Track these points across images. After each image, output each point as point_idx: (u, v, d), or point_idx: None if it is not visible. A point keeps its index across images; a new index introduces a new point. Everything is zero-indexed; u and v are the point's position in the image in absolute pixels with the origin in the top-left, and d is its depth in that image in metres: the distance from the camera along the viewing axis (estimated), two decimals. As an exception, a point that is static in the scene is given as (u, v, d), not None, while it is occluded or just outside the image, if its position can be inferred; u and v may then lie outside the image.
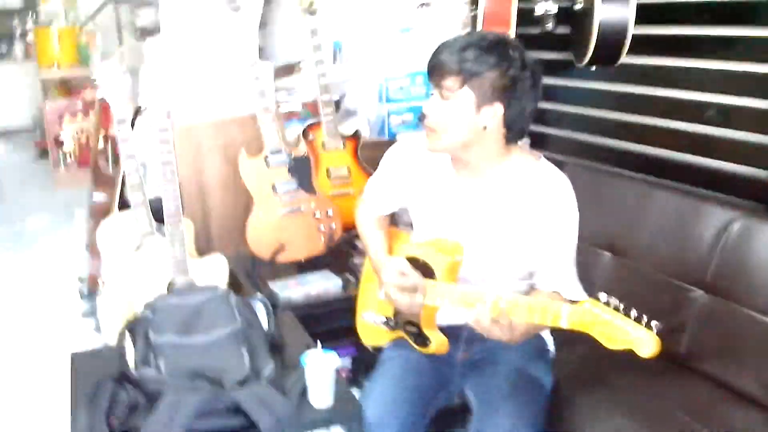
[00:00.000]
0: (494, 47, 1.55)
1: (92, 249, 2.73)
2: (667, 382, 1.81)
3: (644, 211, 2.13)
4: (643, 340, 1.24)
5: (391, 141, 2.94)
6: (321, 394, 1.51)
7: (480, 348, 1.78)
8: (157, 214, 2.30)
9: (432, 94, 1.65)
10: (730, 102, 2.12)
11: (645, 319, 1.26)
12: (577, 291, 1.66)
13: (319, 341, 1.58)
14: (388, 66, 3.05)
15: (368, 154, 2.83)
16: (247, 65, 2.54)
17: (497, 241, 1.70)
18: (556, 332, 1.78)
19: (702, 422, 1.64)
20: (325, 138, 2.73)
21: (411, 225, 1.95)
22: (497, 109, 1.57)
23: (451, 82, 1.57)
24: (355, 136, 2.79)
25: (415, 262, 1.73)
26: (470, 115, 1.59)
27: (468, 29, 2.70)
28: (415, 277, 1.68)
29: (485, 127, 1.60)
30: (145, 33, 2.62)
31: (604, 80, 2.52)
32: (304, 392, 1.52)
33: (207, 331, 1.55)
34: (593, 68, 2.25)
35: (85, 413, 1.41)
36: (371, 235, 1.92)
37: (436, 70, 1.60)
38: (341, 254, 2.58)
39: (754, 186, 2.06)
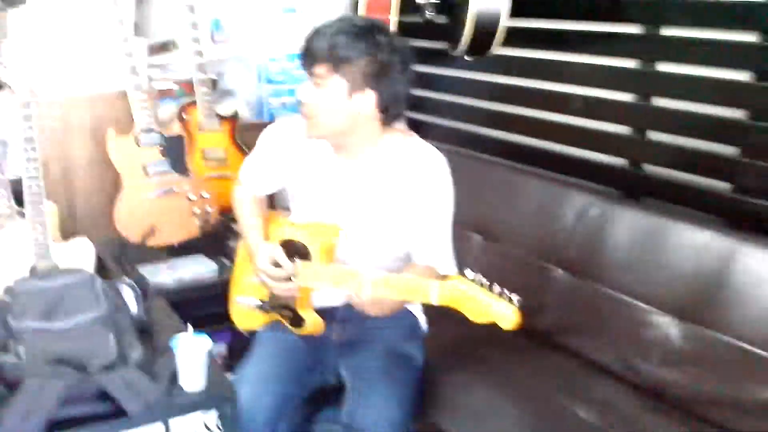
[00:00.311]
0: (364, 33, 1.57)
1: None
2: (533, 357, 1.92)
3: (511, 196, 2.23)
4: (505, 314, 1.31)
5: (271, 123, 2.91)
6: (192, 377, 1.48)
7: (355, 328, 1.80)
8: (20, 195, 2.16)
9: (306, 81, 1.65)
10: (593, 94, 2.25)
11: (507, 294, 1.33)
12: (451, 266, 1.72)
13: (189, 324, 1.54)
14: (269, 46, 3.00)
15: (247, 136, 2.77)
16: (120, 41, 2.43)
17: (375, 222, 1.73)
18: (428, 309, 1.84)
19: (564, 393, 1.76)
20: (201, 118, 2.65)
21: (288, 208, 1.95)
22: (369, 96, 1.60)
23: (322, 69, 1.58)
24: (233, 117, 2.73)
25: (291, 244, 1.74)
26: (343, 101, 1.60)
27: (349, 15, 2.72)
28: (287, 266, 1.69)
29: (359, 113, 1.62)
30: (8, 3, 2.43)
31: (479, 70, 2.60)
32: (174, 377, 1.49)
33: (70, 316, 1.47)
34: (467, 58, 2.31)
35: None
36: (247, 218, 1.90)
37: (307, 58, 1.60)
38: (217, 238, 2.52)
39: (612, 173, 2.21)
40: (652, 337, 1.79)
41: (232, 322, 1.97)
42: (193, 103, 2.65)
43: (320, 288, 1.72)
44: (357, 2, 2.61)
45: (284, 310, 1.77)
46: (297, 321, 1.75)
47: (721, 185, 1.95)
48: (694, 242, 1.78)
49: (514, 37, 2.21)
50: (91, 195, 2.57)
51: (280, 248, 1.72)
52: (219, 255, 2.46)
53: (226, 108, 2.78)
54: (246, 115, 2.91)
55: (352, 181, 1.73)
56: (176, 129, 2.50)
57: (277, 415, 1.64)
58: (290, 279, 1.70)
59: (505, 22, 2.14)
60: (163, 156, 2.43)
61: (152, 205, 2.42)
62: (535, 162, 2.36)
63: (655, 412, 1.69)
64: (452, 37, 2.35)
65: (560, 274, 2.03)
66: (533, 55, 2.41)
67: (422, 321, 1.88)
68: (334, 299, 1.79)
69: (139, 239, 2.39)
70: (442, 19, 2.49)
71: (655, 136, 2.12)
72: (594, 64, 2.23)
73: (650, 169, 2.13)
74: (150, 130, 2.42)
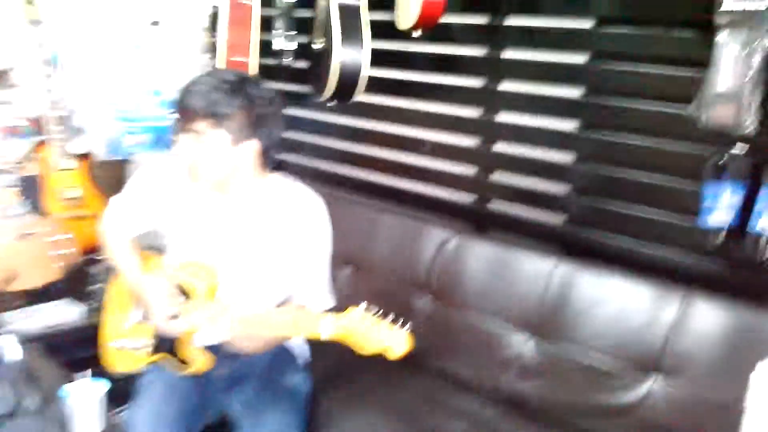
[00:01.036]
0: (238, 88, 1.66)
1: None
2: (404, 378, 2.07)
3: (376, 231, 2.41)
4: (399, 340, 1.46)
5: (126, 161, 2.87)
6: (87, 423, 1.47)
7: (237, 364, 1.86)
8: None
9: (182, 135, 1.69)
10: (440, 138, 2.50)
11: (400, 322, 1.48)
12: (329, 303, 1.84)
13: (89, 370, 1.53)
14: (122, 83, 2.97)
15: (103, 174, 2.73)
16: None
17: (253, 262, 1.81)
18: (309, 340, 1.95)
19: (434, 410, 1.94)
20: (54, 157, 2.57)
21: (154, 248, 1.96)
22: (252, 143, 1.69)
23: (203, 125, 1.64)
24: (88, 155, 2.67)
25: (171, 286, 1.78)
26: (227, 152, 1.69)
27: (208, 55, 2.78)
28: (177, 303, 1.72)
29: (242, 160, 1.71)
30: None
31: (339, 114, 2.77)
32: (65, 424, 1.47)
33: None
34: (329, 105, 2.47)
35: None
36: (125, 258, 1.89)
37: (187, 115, 1.65)
38: (81, 280, 2.45)
39: (463, 209, 2.46)
40: (509, 354, 2.03)
41: (104, 366, 1.94)
42: (46, 141, 2.57)
43: (201, 327, 1.77)
44: (215, 45, 2.69)
45: (171, 350, 1.80)
46: (182, 361, 1.78)
47: (557, 218, 2.26)
48: (539, 269, 2.05)
49: (374, 85, 2.41)
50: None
51: (169, 284, 1.75)
52: (84, 297, 2.39)
53: (79, 146, 2.72)
54: (100, 152, 2.85)
55: (233, 223, 1.80)
56: (32, 168, 2.41)
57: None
58: (180, 315, 1.74)
59: (366, 72, 2.33)
60: (19, 197, 2.33)
61: (9, 249, 2.31)
62: (395, 199, 2.56)
63: (515, 420, 1.92)
64: (316, 84, 2.50)
65: (423, 301, 2.23)
66: (391, 103, 2.62)
67: (305, 351, 1.98)
68: (214, 337, 1.84)
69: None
70: (300, 64, 2.64)
71: (498, 176, 2.40)
72: (443, 113, 2.49)
73: (496, 205, 2.40)
74: (2, 171, 2.31)
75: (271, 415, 1.72)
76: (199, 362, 1.78)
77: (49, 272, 2.41)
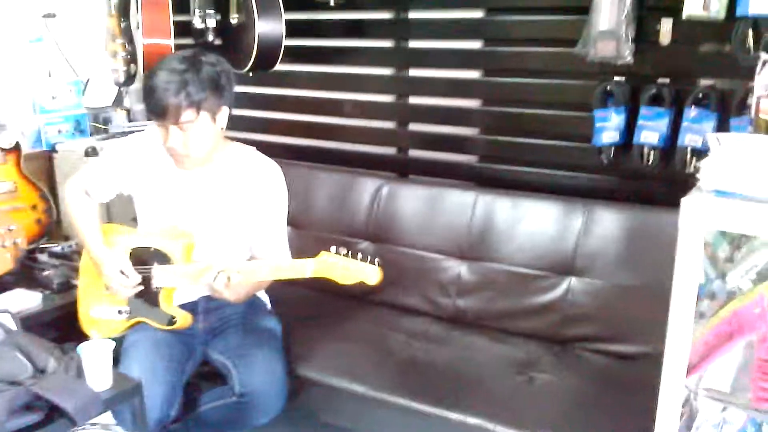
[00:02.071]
0: (200, 68, 1.79)
1: None
2: (358, 311, 2.35)
3: (311, 190, 2.62)
4: (373, 272, 1.71)
5: (51, 151, 2.91)
6: (101, 378, 1.62)
7: (215, 317, 2.05)
8: None
9: (164, 129, 1.81)
10: (361, 98, 2.74)
11: (369, 259, 1.73)
12: (288, 257, 2.05)
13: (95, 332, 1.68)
14: (36, 76, 2.99)
15: (29, 166, 2.77)
16: None
17: (221, 225, 1.99)
18: (269, 290, 2.16)
19: (389, 331, 2.22)
20: (-18, 153, 2.60)
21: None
22: (224, 112, 1.87)
23: (186, 116, 1.78)
24: (16, 148, 2.70)
25: (146, 251, 1.94)
26: (211, 128, 1.85)
27: (119, 40, 2.84)
28: (134, 275, 1.90)
29: (220, 129, 1.88)
30: None
31: (262, 85, 2.92)
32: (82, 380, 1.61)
33: (-31, 346, 1.53)
34: (251, 75, 2.63)
35: None
36: (88, 228, 2.00)
37: (168, 113, 1.77)
38: (30, 269, 2.50)
39: (388, 160, 2.71)
40: (446, 278, 2.33)
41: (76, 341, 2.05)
42: (-29, 138, 2.59)
43: (181, 286, 1.95)
44: (129, 28, 2.77)
45: (149, 313, 1.96)
46: (167, 320, 1.94)
47: (470, 158, 2.56)
48: (462, 202, 2.35)
49: (293, 53, 2.60)
50: None
51: (126, 257, 1.92)
52: (36, 285, 2.45)
53: (4, 140, 2.74)
54: (25, 146, 2.87)
55: (201, 189, 1.96)
56: (-33, 165, 2.44)
57: (168, 403, 1.83)
58: (141, 285, 1.90)
59: (284, 41, 2.52)
60: (-41, 194, 2.36)
61: (-42, 244, 2.34)
62: (324, 161, 2.77)
63: (460, 330, 2.23)
64: (236, 57, 2.65)
65: (364, 245, 2.48)
66: (310, 69, 2.82)
67: (267, 301, 2.19)
68: (193, 294, 2.02)
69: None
70: (218, 41, 2.77)
71: (414, 127, 2.67)
72: (359, 73, 2.72)
73: (416, 153, 2.68)
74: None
75: (258, 355, 1.91)
76: (183, 317, 1.95)
77: (2, 263, 2.45)
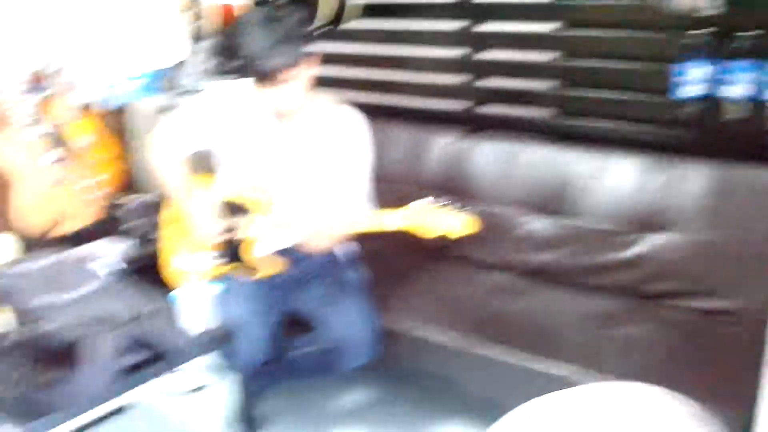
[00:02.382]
0: (287, 23, 1.79)
1: None
2: (435, 267, 2.36)
3: (385, 145, 2.60)
4: (462, 223, 1.71)
5: (121, 109, 2.97)
6: (196, 322, 1.68)
7: (300, 268, 2.08)
8: None
9: (265, 89, 1.82)
10: (432, 53, 2.70)
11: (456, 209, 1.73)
12: (368, 207, 2.07)
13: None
14: (107, 36, 3.03)
15: (107, 121, 2.84)
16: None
17: (306, 177, 2.01)
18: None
19: (468, 287, 2.24)
20: (63, 109, 2.66)
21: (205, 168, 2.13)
22: (313, 62, 1.87)
23: (288, 73, 1.79)
24: (94, 104, 2.77)
25: (230, 203, 1.97)
26: (305, 83, 1.87)
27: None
28: (220, 223, 1.94)
29: (310, 82, 1.89)
30: None
31: (332, 41, 2.89)
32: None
33: (75, 289, 1.59)
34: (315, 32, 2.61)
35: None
36: (174, 178, 2.04)
37: (272, 73, 1.77)
38: (116, 219, 2.58)
39: (462, 117, 2.68)
40: (522, 233, 2.32)
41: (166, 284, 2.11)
42: (53, 95, 2.65)
43: (264, 236, 1.99)
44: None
45: (235, 262, 2.00)
46: (251, 269, 1.99)
47: (546, 112, 2.52)
48: (540, 157, 2.33)
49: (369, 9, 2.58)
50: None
51: (210, 206, 1.95)
52: (123, 234, 2.52)
53: (82, 97, 2.80)
54: (99, 103, 2.93)
55: (285, 142, 1.99)
56: (54, 119, 2.50)
57: (258, 348, 1.90)
58: (231, 231, 1.94)
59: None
60: (49, 147, 2.43)
61: (49, 195, 2.42)
62: (394, 117, 2.75)
63: (539, 286, 2.23)
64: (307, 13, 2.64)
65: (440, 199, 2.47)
66: (381, 26, 2.78)
67: (349, 253, 2.21)
68: (277, 246, 2.05)
69: (43, 231, 2.38)
70: None
71: (489, 81, 2.63)
72: (430, 29, 2.68)
73: (489, 108, 2.64)
74: (32, 123, 2.40)
75: (345, 305, 1.96)
76: (266, 267, 1.99)
77: (88, 214, 2.53)
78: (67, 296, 1.56)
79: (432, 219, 1.73)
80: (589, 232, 2.21)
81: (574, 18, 2.40)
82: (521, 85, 2.55)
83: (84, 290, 1.59)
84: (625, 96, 2.31)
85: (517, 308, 2.10)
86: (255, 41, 1.77)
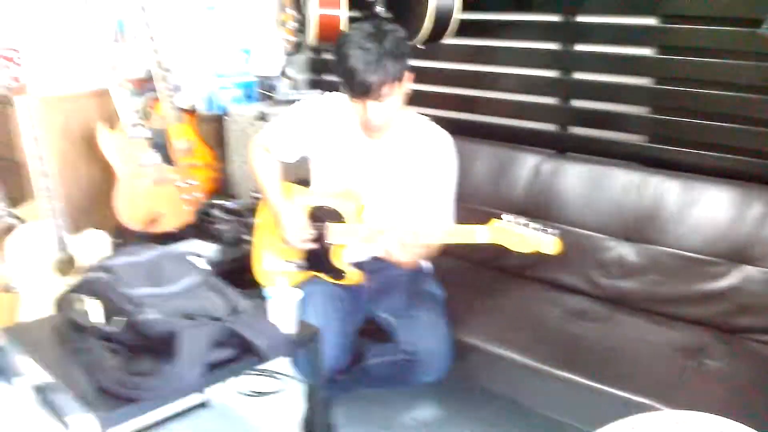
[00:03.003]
0: (389, 40, 1.84)
1: None
2: (513, 286, 2.36)
3: (471, 164, 2.64)
4: (551, 242, 1.72)
5: (222, 115, 3.10)
6: (286, 321, 1.73)
7: (381, 277, 2.12)
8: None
9: (361, 105, 1.88)
10: (524, 72, 2.72)
11: (544, 228, 1.73)
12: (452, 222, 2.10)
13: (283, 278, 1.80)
14: (211, 43, 3.18)
15: (204, 127, 2.96)
16: (98, 40, 2.52)
17: (393, 190, 2.06)
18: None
19: (546, 307, 2.22)
20: (165, 112, 2.80)
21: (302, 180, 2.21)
22: (408, 77, 1.92)
23: (388, 89, 1.85)
24: (193, 110, 2.90)
25: (320, 209, 2.03)
26: (402, 96, 1.92)
27: (289, 10, 2.96)
28: (310, 228, 2.00)
29: (404, 99, 1.95)
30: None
31: (425, 58, 2.95)
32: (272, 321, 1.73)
33: (175, 282, 1.67)
34: (420, 47, 2.67)
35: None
36: (270, 182, 2.11)
37: (372, 91, 1.83)
38: (206, 222, 2.70)
39: (550, 138, 2.69)
40: (608, 257, 2.29)
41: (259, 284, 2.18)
42: (156, 98, 2.80)
43: (352, 244, 2.04)
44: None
45: (322, 266, 2.06)
46: (337, 274, 2.04)
47: (637, 137, 2.49)
48: (630, 182, 2.30)
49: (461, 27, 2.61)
50: (79, 189, 2.63)
51: (303, 212, 2.02)
52: (209, 238, 2.63)
53: (183, 101, 2.94)
54: (200, 107, 3.07)
55: (377, 155, 2.04)
56: (158, 122, 2.64)
57: (340, 353, 1.93)
58: (315, 240, 2.00)
59: (458, 15, 2.54)
60: (150, 148, 2.57)
61: (147, 194, 2.56)
62: (482, 134, 2.77)
63: (620, 312, 2.19)
64: (406, 30, 2.70)
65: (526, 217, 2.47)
66: (474, 43, 2.82)
67: (429, 266, 2.24)
68: (362, 254, 2.11)
69: (142, 227, 2.52)
70: (388, 14, 2.83)
71: (577, 103, 2.62)
72: (524, 48, 2.70)
73: (578, 130, 2.63)
74: (136, 124, 2.55)
75: (424, 317, 1.97)
76: (354, 274, 2.04)
77: (182, 216, 2.66)
78: (167, 289, 1.64)
79: (518, 236, 1.74)
80: (676, 261, 2.16)
81: (670, 43, 2.37)
82: (613, 108, 2.53)
83: (183, 284, 1.67)
84: (721, 124, 2.26)
85: (595, 333, 2.07)
86: (360, 55, 1.81)
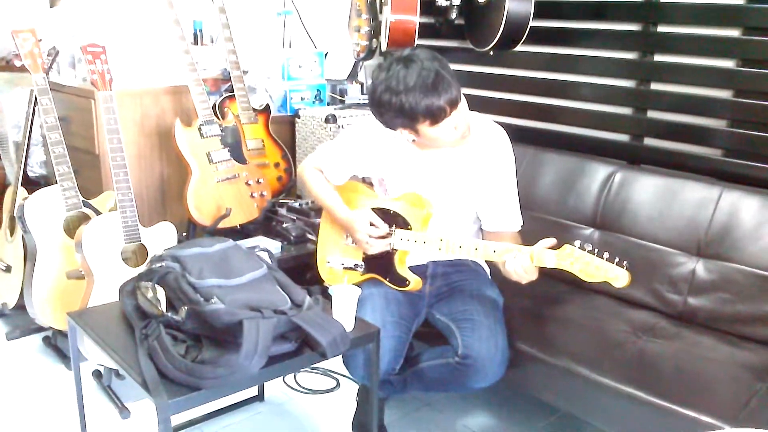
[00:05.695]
0: (440, 64, 1.84)
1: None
2: (577, 297, 2.30)
3: (540, 172, 2.61)
4: (620, 276, 1.68)
5: (294, 116, 3.16)
6: (347, 319, 1.75)
7: (441, 281, 2.12)
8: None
9: (440, 125, 1.87)
10: (598, 82, 2.67)
11: (617, 259, 1.69)
12: (519, 222, 2.09)
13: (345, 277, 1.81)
14: (282, 47, 3.25)
15: (275, 128, 3.03)
16: (177, 39, 2.61)
17: (457, 196, 2.06)
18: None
19: (611, 321, 2.16)
20: (239, 112, 2.87)
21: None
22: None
23: (455, 111, 1.86)
24: (266, 110, 2.97)
25: (387, 214, 2.04)
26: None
27: (364, 16, 3.00)
28: (383, 227, 2.00)
29: None
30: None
31: (497, 65, 2.95)
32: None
33: (241, 275, 1.70)
34: (491, 54, 2.66)
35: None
36: (331, 197, 2.15)
37: (447, 108, 1.83)
38: (271, 219, 2.75)
39: (622, 148, 2.63)
40: (678, 273, 2.22)
41: (322, 282, 2.22)
42: (231, 97, 2.88)
43: (416, 251, 2.03)
44: (374, 3, 2.91)
45: (385, 272, 2.06)
46: (400, 280, 2.04)
47: (713, 151, 2.41)
48: (705, 196, 2.22)
49: (532, 35, 2.59)
50: (153, 183, 2.73)
51: (374, 213, 2.02)
52: (275, 235, 2.68)
53: (256, 102, 3.02)
54: (273, 108, 3.14)
55: (439, 166, 2.05)
56: (231, 120, 2.71)
57: (397, 354, 1.94)
58: (386, 237, 2.01)
59: (531, 21, 2.53)
60: (222, 145, 2.64)
61: (217, 191, 2.63)
62: (552, 143, 2.74)
63: (689, 329, 2.12)
64: (479, 36, 2.69)
65: (591, 231, 2.43)
66: (548, 50, 2.80)
67: (488, 271, 2.23)
68: (422, 258, 2.10)
69: (212, 222, 2.59)
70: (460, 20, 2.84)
71: (653, 114, 2.56)
72: (600, 56, 2.65)
73: (652, 142, 2.57)
74: (210, 122, 2.62)
75: (482, 322, 1.95)
76: (416, 281, 2.04)
77: (249, 212, 2.72)
78: (234, 281, 1.67)
79: (586, 264, 1.70)
80: (749, 279, 2.07)
81: (752, 55, 2.29)
82: (689, 120, 2.46)
83: (250, 277, 1.71)
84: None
85: (663, 350, 2.00)
86: (415, 90, 1.81)
